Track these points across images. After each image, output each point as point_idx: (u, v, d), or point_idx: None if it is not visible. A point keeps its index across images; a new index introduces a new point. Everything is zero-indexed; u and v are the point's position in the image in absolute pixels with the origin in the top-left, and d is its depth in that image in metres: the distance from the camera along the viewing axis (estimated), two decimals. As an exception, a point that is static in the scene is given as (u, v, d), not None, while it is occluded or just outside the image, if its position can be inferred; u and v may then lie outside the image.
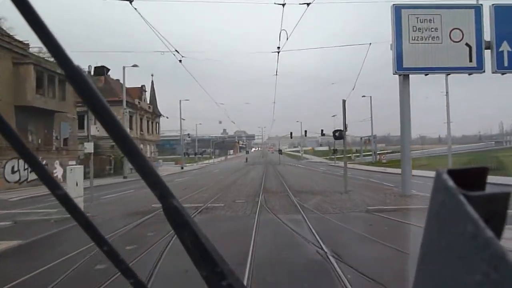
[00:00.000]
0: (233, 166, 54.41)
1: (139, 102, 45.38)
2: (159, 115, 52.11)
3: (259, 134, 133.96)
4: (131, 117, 43.65)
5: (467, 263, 0.29)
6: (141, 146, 46.31)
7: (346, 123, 16.62)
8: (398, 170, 33.16)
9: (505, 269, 0.26)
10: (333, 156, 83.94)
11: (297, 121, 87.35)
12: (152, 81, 51.84)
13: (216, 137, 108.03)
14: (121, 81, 45.61)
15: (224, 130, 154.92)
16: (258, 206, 12.62)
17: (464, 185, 0.32)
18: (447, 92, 33.78)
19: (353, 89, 17.51)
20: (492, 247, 0.27)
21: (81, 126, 42.37)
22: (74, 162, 32.01)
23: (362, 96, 52.84)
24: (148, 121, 48.69)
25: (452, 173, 0.34)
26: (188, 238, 0.48)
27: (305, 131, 56.82)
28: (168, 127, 74.61)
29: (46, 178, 0.49)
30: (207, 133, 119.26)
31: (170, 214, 0.48)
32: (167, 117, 52.56)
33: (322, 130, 56.86)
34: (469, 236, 0.29)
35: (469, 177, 0.35)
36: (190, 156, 76.92)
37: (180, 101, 51.92)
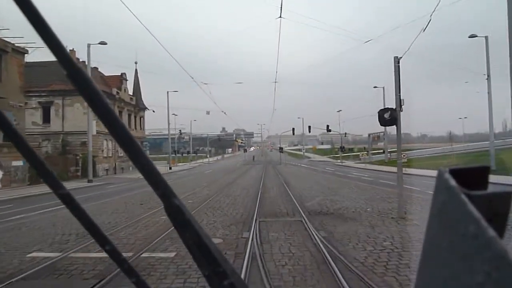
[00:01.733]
0: (228, 167, 47.36)
1: (117, 92, 38.24)
2: (144, 108, 44.95)
3: (259, 132, 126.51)
4: (107, 109, 36.47)
5: (468, 263, 0.28)
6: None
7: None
8: (424, 172, 25.75)
9: (507, 269, 0.25)
10: (337, 155, 76.95)
11: (299, 118, 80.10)
12: (136, 70, 44.76)
13: (214, 135, 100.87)
14: (100, 69, 38.52)
15: (223, 128, 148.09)
16: (246, 263, 5.53)
17: (466, 185, 0.32)
18: (488, 76, 26.86)
19: (424, 29, 10.40)
20: (493, 247, 0.26)
21: (46, 120, 35.32)
22: (20, 163, 24.94)
23: (374, 87, 45.70)
24: (130, 115, 41.53)
25: (454, 172, 0.33)
26: (190, 237, 0.47)
27: (309, 127, 49.73)
28: (164, 125, 67.48)
29: (48, 177, 0.47)
30: (206, 131, 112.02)
31: (172, 214, 0.47)
32: (154, 111, 45.43)
33: (328, 126, 49.79)
34: (471, 236, 0.28)
35: (471, 176, 0.34)
36: (184, 155, 69.86)
37: (167, 92, 44.77)
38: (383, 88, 46.13)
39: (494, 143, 60.10)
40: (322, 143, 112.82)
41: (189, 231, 0.47)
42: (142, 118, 44.78)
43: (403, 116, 9.40)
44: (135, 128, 43.06)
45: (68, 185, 17.44)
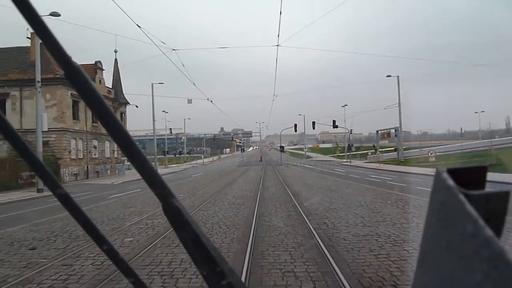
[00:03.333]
0: (222, 169, 41.37)
1: (90, 83, 32.11)
2: (125, 102, 38.82)
3: (257, 131, 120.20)
4: (76, 102, 30.39)
5: (467, 262, 0.28)
6: (95, 142, 33.02)
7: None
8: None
9: (505, 268, 0.25)
10: (341, 154, 70.76)
11: (300, 114, 74.19)
12: (116, 59, 38.64)
13: (210, 135, 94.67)
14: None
15: (222, 128, 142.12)
16: None
17: (464, 184, 0.31)
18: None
19: None
20: (492, 246, 0.26)
21: (0, 115, 29.22)
22: None
23: (387, 76, 39.69)
24: (107, 110, 35.39)
25: (452, 172, 0.33)
26: (188, 237, 0.47)
27: (313, 122, 43.64)
28: (160, 125, 61.45)
29: (46, 177, 0.47)
30: (205, 132, 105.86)
31: (170, 214, 0.47)
32: (137, 106, 39.31)
33: (334, 121, 43.75)
34: (469, 235, 0.28)
35: (469, 176, 0.33)
36: (177, 155, 63.72)
37: (152, 84, 38.67)
38: (398, 77, 40.17)
39: (499, 141, 53.92)
40: (323, 142, 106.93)
41: (187, 231, 0.47)
42: (123, 114, 38.64)
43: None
44: (115, 125, 36.82)
45: (6, 197, 9.90)
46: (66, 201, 0.48)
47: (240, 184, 20.03)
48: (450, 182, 0.31)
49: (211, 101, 35.13)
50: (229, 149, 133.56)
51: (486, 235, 0.27)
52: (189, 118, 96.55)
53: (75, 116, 30.12)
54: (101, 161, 33.48)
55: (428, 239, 0.34)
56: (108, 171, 34.84)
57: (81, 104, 31.03)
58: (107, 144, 35.09)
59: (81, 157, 30.54)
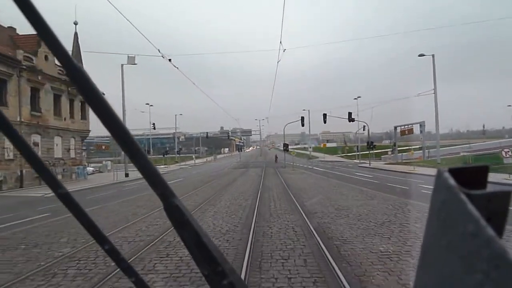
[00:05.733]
0: (212, 172, 32.56)
1: (29, 58, 23.23)
2: (87, 88, 29.95)
3: (257, 130, 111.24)
4: (2, 80, 21.44)
5: (468, 262, 0.27)
6: (35, 138, 24.02)
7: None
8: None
9: (506, 268, 0.25)
10: (350, 154, 62.13)
11: (304, 109, 65.25)
12: (76, 33, 29.73)
13: (206, 134, 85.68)
14: (11, 27, 23.34)
15: (222, 127, 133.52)
16: None
17: (466, 184, 0.31)
18: None
19: None
20: (493, 246, 0.26)
21: None
22: None
23: (419, 55, 30.77)
24: (58, 96, 26.48)
25: (453, 171, 0.32)
26: (189, 237, 0.46)
27: (324, 114, 34.64)
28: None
29: (48, 177, 0.47)
30: (206, 131, 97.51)
31: (171, 213, 0.46)
32: (104, 93, 30.25)
33: (350, 113, 34.81)
34: (470, 235, 0.27)
35: (470, 176, 0.33)
36: (165, 156, 54.77)
37: (122, 65, 29.85)
38: (433, 55, 31.17)
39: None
40: (327, 141, 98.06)
41: (188, 231, 0.46)
42: (84, 104, 29.76)
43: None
44: (72, 116, 27.90)
45: None
46: (68, 201, 0.47)
47: (223, 205, 11.08)
48: (452, 181, 0.30)
49: (170, 60, 22.32)
50: (227, 149, 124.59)
51: (487, 235, 0.26)
52: (181, 114, 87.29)
53: (1, 102, 21.19)
54: (46, 163, 24.46)
55: (429, 238, 0.33)
56: (59, 176, 25.85)
57: (11, 85, 22.07)
58: (57, 140, 26.13)
59: (11, 157, 21.54)
